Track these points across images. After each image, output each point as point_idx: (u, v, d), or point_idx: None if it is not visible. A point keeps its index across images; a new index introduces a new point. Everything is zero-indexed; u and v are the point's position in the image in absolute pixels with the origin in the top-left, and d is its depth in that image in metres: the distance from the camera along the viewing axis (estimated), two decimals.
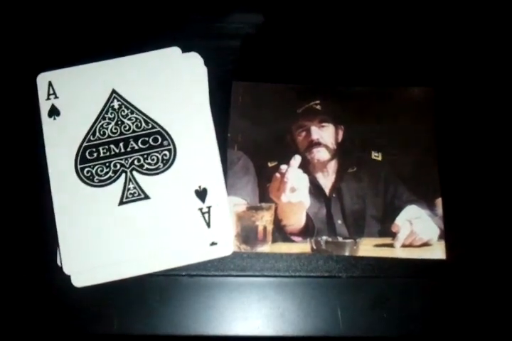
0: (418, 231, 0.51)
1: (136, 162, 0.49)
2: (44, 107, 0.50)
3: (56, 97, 0.50)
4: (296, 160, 0.53)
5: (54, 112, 0.50)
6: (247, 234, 0.51)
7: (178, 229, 0.49)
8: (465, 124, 0.54)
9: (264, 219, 0.51)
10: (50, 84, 0.51)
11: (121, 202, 0.49)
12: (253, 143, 0.53)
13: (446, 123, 0.54)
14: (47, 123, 0.50)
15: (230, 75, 0.55)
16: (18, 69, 0.53)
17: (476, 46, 0.56)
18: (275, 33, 0.57)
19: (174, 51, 0.53)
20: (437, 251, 0.50)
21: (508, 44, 0.56)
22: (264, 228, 0.51)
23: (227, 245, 0.49)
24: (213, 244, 0.49)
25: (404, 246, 0.51)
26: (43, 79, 0.51)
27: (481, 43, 0.56)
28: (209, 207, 0.49)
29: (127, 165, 0.49)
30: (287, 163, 0.53)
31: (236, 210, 0.51)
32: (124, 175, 0.49)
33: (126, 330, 0.47)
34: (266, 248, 0.51)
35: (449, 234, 0.51)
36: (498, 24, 0.56)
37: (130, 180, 0.49)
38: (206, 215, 0.49)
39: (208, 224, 0.49)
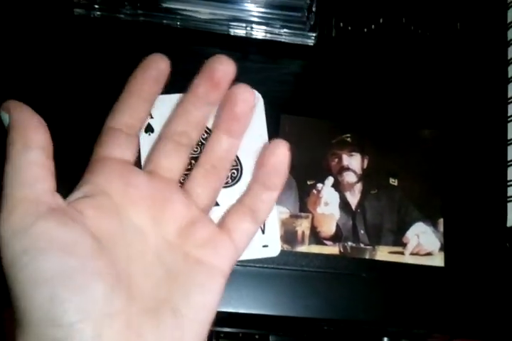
0: (423, 243, 0.65)
1: None
2: None
3: (151, 117, 0.62)
4: (330, 180, 0.67)
5: (149, 129, 0.62)
6: (289, 237, 0.64)
7: None
8: (465, 163, 0.68)
9: (303, 226, 0.64)
10: None
11: None
12: (296, 166, 0.66)
13: (450, 162, 0.68)
14: (143, 138, 0.62)
15: (279, 109, 0.68)
16: None
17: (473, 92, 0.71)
18: (319, 74, 0.70)
19: None
20: (438, 260, 0.64)
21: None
22: (303, 232, 0.64)
23: (276, 247, 0.62)
24: (265, 246, 0.61)
25: (412, 254, 0.64)
26: None
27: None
28: None
29: None
30: (323, 182, 0.66)
31: (281, 217, 0.64)
32: None
33: None
34: (303, 248, 0.64)
35: (447, 247, 0.65)
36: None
37: None
38: (262, 224, 0.62)
39: (263, 231, 0.61)
